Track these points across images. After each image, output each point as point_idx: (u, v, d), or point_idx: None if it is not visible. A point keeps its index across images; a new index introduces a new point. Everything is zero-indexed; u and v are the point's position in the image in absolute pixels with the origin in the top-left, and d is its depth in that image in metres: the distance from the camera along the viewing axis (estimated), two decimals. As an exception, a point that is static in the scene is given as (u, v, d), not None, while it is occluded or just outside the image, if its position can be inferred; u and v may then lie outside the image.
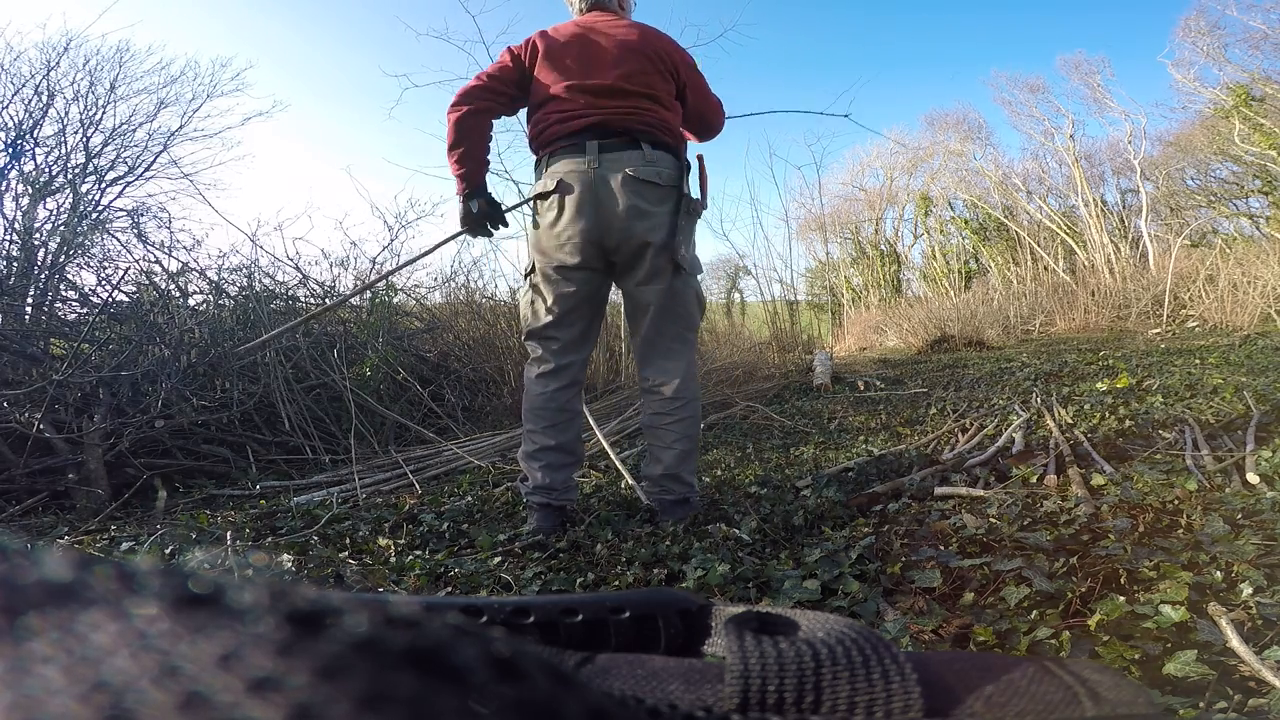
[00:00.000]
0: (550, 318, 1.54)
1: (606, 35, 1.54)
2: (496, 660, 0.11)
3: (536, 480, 1.55)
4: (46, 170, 6.08)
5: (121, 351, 2.59)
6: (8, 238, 3.67)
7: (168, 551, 1.54)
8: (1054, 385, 3.26)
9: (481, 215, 1.61)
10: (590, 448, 2.44)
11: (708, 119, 1.68)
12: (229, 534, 1.51)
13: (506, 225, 1.68)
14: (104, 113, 7.06)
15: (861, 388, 4.06)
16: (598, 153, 1.47)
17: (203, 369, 2.87)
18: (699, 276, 1.61)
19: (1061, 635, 0.88)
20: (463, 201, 1.59)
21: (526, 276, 1.60)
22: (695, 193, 1.60)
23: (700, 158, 1.62)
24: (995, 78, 18.88)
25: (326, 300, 3.88)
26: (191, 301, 3.45)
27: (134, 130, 7.41)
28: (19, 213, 4.96)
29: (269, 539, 1.62)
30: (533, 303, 1.58)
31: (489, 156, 1.59)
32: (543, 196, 1.53)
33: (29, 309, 3.17)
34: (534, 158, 1.59)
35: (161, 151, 7.47)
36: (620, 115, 1.49)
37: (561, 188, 1.48)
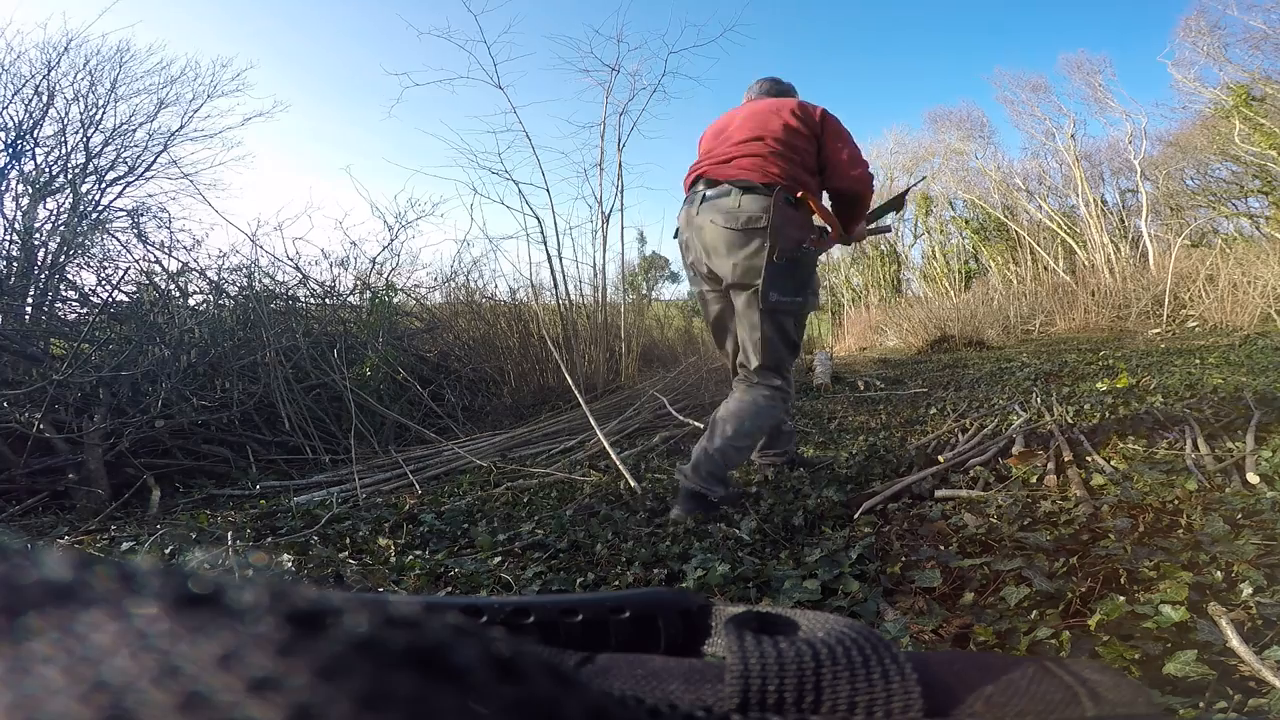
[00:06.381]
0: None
1: (756, 106, 1.71)
2: (496, 660, 0.11)
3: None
4: (46, 170, 6.08)
5: (121, 351, 2.59)
6: (8, 238, 3.67)
7: (168, 551, 1.54)
8: (1054, 385, 3.26)
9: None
10: (590, 447, 2.44)
11: (837, 171, 1.68)
12: (229, 534, 1.51)
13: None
14: (104, 113, 7.06)
15: (861, 388, 4.06)
16: (700, 202, 1.65)
17: (203, 369, 2.87)
18: (800, 313, 1.65)
19: (1061, 635, 0.88)
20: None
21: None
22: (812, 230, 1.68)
23: (804, 196, 1.63)
24: (998, 76, 18.88)
25: (326, 300, 3.88)
26: (191, 301, 3.45)
27: (134, 130, 7.40)
28: (19, 213, 4.96)
29: (269, 539, 1.62)
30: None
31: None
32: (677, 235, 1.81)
33: (29, 309, 3.17)
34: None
35: (162, 151, 7.47)
36: (720, 165, 1.66)
37: (677, 234, 1.78)
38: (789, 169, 1.60)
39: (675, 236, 1.83)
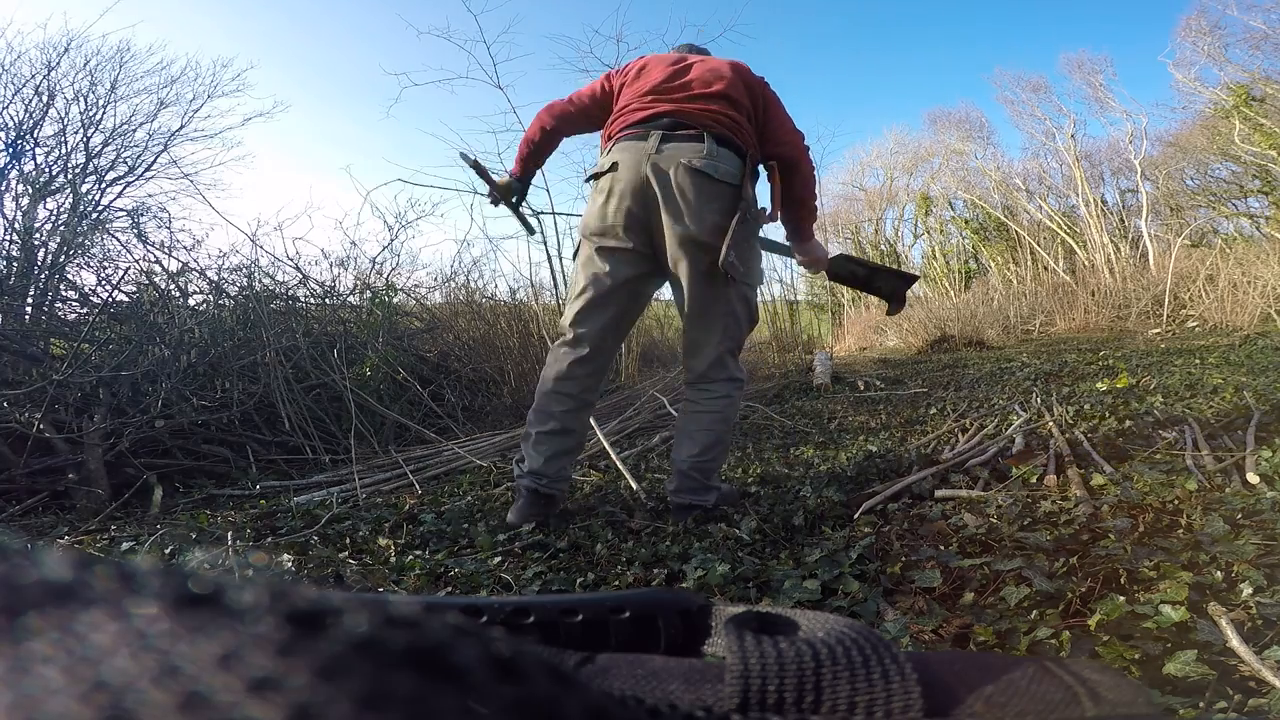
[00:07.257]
0: (581, 302, 1.55)
1: (696, 59, 1.61)
2: (496, 660, 0.11)
3: (530, 464, 1.55)
4: (46, 170, 6.08)
5: (121, 351, 2.59)
6: (8, 238, 3.67)
7: (168, 551, 1.54)
8: (1054, 385, 3.26)
9: (509, 190, 1.77)
10: (590, 448, 2.44)
11: (775, 136, 1.59)
12: (229, 534, 1.51)
13: (519, 218, 1.87)
14: (104, 113, 7.08)
15: (861, 388, 4.06)
16: (659, 141, 1.46)
17: (203, 369, 2.87)
18: (756, 287, 1.59)
19: (1061, 635, 0.88)
20: (508, 175, 1.77)
21: (574, 256, 1.64)
22: (765, 202, 1.59)
23: (773, 166, 1.58)
24: (998, 76, 18.92)
25: (326, 300, 3.88)
26: (191, 301, 3.45)
27: (134, 130, 7.43)
28: (19, 213, 4.96)
29: (269, 539, 1.62)
30: (572, 283, 1.62)
31: (543, 164, 1.79)
32: (596, 176, 1.55)
33: (29, 309, 3.17)
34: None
35: (162, 151, 7.49)
36: (689, 110, 1.50)
37: (614, 168, 1.49)
38: (753, 138, 1.54)
39: (592, 178, 1.59)
